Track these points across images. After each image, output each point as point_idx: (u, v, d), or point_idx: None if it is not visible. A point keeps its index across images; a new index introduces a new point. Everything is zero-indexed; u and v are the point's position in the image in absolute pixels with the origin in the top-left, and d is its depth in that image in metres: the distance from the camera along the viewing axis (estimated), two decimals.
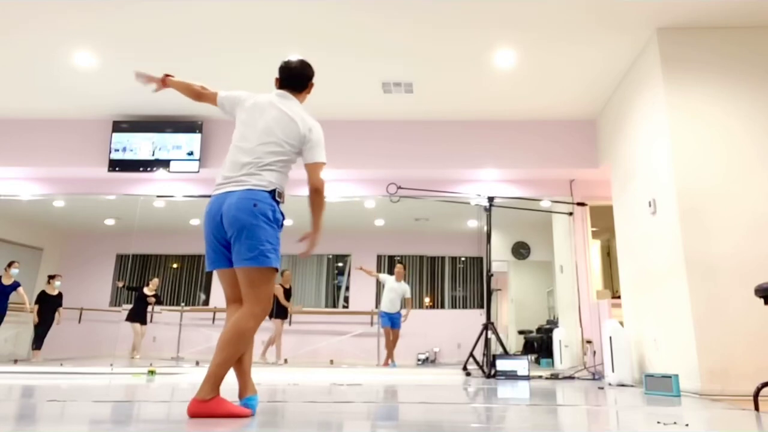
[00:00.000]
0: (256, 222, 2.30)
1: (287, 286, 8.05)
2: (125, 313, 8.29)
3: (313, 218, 2.47)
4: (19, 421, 2.06)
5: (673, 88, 4.43)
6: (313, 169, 2.47)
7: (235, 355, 2.24)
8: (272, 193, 2.38)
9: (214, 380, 2.20)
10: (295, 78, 2.63)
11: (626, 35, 4.77)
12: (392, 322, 7.60)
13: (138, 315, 8.26)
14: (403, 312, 7.69)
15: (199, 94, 2.71)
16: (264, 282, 2.32)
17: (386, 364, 7.43)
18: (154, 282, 8.55)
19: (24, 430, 1.82)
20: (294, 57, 2.69)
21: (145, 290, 8.40)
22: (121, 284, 8.91)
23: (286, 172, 2.48)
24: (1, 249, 8.24)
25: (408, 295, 7.75)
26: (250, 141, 2.46)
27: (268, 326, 8.07)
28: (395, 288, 7.69)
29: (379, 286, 8.29)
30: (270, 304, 2.36)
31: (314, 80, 2.71)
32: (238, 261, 2.31)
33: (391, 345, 7.53)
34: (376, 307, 8.37)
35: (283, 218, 2.43)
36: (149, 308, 8.40)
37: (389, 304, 7.65)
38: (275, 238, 2.36)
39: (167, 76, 2.77)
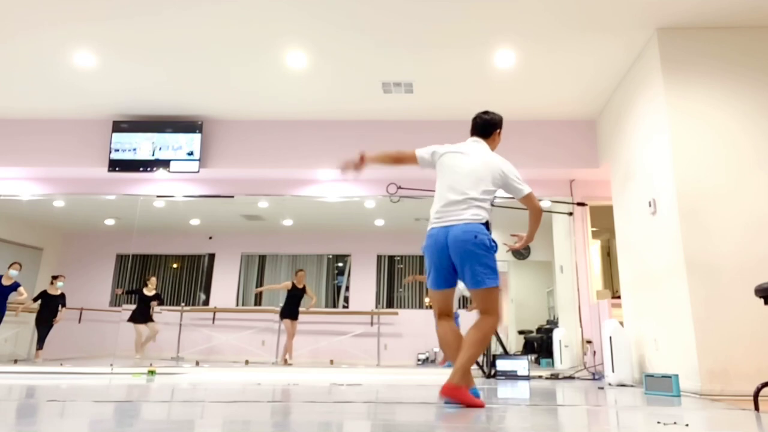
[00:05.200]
0: (478, 251, 2.84)
1: (300, 286, 7.96)
2: (125, 314, 8.25)
3: (531, 229, 3.15)
4: (19, 421, 2.06)
5: (673, 89, 4.43)
6: (528, 200, 3.07)
7: (479, 352, 2.79)
8: (486, 224, 2.90)
9: (463, 372, 2.73)
10: (481, 127, 3.21)
11: (626, 35, 4.77)
12: None
13: (141, 316, 8.23)
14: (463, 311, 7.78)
15: (399, 159, 3.16)
16: (490, 297, 2.87)
17: (443, 362, 7.43)
18: (152, 281, 8.44)
19: (24, 431, 1.82)
20: (487, 112, 3.24)
21: (145, 291, 8.37)
22: (120, 291, 8.84)
23: (490, 206, 3.00)
24: (1, 249, 8.24)
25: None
26: (460, 183, 2.97)
27: (274, 328, 8.07)
28: None
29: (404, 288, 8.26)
30: (500, 312, 2.90)
31: (500, 130, 3.25)
32: (469, 285, 2.87)
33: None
34: (376, 307, 8.37)
35: (496, 244, 2.92)
36: (152, 308, 8.37)
37: None
38: (493, 260, 2.89)
39: (363, 154, 3.17)
